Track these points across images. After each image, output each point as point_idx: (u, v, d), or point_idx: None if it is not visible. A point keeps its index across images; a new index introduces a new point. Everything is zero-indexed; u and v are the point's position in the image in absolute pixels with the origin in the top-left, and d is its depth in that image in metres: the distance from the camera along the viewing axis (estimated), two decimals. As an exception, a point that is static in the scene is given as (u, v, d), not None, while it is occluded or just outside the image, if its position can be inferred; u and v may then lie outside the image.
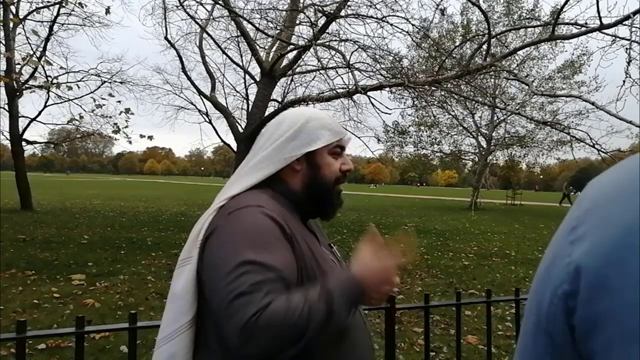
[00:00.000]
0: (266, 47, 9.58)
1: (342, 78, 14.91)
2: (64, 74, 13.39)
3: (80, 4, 10.25)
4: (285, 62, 9.11)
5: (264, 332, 0.76)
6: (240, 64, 10.78)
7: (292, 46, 8.34)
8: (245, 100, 11.49)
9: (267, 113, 9.10)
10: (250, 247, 0.84)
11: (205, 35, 9.72)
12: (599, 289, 0.33)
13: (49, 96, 13.94)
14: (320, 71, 9.36)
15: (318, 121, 1.04)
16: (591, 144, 7.33)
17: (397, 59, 8.59)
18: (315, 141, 1.02)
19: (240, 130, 9.94)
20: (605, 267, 0.33)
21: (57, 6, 12.63)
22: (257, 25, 7.97)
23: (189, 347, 0.93)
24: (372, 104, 8.10)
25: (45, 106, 14.12)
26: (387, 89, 8.50)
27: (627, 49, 6.13)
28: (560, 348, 0.37)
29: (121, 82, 14.16)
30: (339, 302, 0.84)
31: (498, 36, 9.88)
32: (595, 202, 0.38)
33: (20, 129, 13.76)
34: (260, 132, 1.10)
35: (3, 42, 12.86)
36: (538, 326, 0.39)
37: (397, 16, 7.72)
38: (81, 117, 13.96)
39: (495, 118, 22.41)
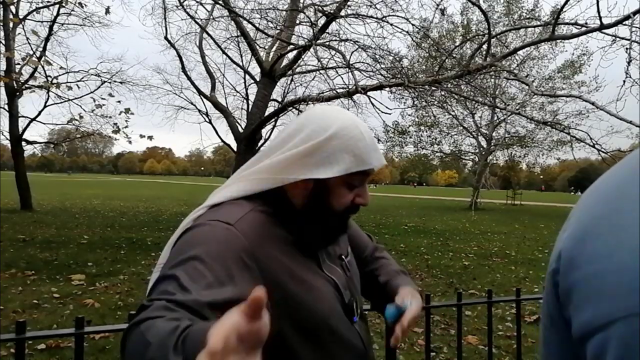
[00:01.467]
0: (266, 47, 9.58)
1: (342, 78, 14.94)
2: (63, 74, 13.39)
3: (80, 4, 10.25)
4: (285, 62, 9.11)
5: (129, 343, 0.62)
6: (240, 64, 10.78)
7: (292, 46, 8.33)
8: (245, 100, 11.49)
9: (267, 113, 9.10)
10: (186, 258, 0.72)
11: (205, 35, 9.72)
12: (569, 265, 0.43)
13: (48, 96, 13.95)
14: (320, 71, 9.34)
15: (345, 141, 0.83)
16: (591, 144, 7.32)
17: (397, 59, 8.58)
18: (332, 166, 0.83)
19: (240, 130, 9.93)
20: (573, 248, 0.44)
21: (57, 6, 12.64)
22: (257, 25, 7.97)
23: None
24: (372, 104, 8.09)
25: (45, 106, 14.12)
26: (387, 89, 8.49)
27: (627, 49, 6.13)
28: (553, 315, 0.47)
29: (121, 82, 14.16)
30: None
31: (498, 36, 9.88)
32: (580, 201, 0.50)
33: (20, 129, 13.77)
34: (278, 132, 0.96)
35: (3, 42, 12.86)
36: (544, 300, 0.49)
37: (397, 16, 7.72)
38: (81, 117, 13.96)
39: (496, 118, 22.42)
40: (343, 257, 0.97)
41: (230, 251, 0.75)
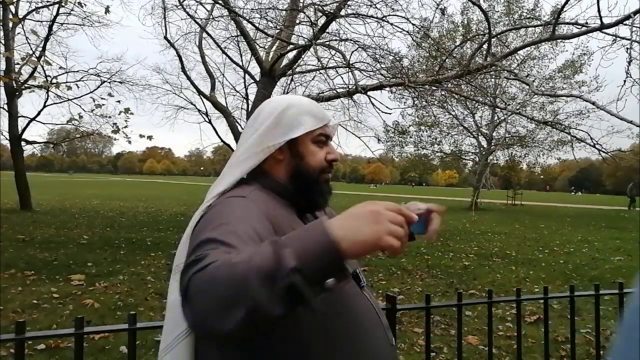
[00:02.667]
0: (266, 47, 9.57)
1: (342, 78, 14.89)
2: (63, 73, 13.39)
3: (79, 3, 10.24)
4: (285, 61, 9.10)
5: (198, 290, 0.60)
6: (240, 63, 10.77)
7: (292, 46, 8.32)
8: (245, 100, 11.47)
9: (267, 113, 9.08)
10: (214, 227, 0.77)
11: (204, 34, 9.71)
12: None
13: (48, 96, 13.94)
14: (320, 71, 9.34)
15: (299, 107, 0.99)
16: (592, 143, 7.32)
17: (398, 58, 8.57)
18: (297, 127, 0.96)
19: (240, 130, 9.93)
20: None
21: (57, 6, 12.63)
22: (257, 24, 7.96)
23: (190, 355, 0.89)
24: (372, 103, 8.09)
25: (44, 106, 14.11)
26: (388, 88, 8.49)
27: (627, 48, 6.11)
28: None
29: (120, 82, 14.16)
30: (293, 250, 0.60)
31: (498, 36, 9.87)
32: None
33: (20, 129, 13.76)
34: (244, 128, 1.09)
35: (2, 41, 12.85)
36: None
37: (398, 16, 7.71)
38: (80, 117, 13.96)
39: (496, 118, 22.41)
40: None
41: (251, 214, 0.83)
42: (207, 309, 0.59)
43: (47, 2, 12.86)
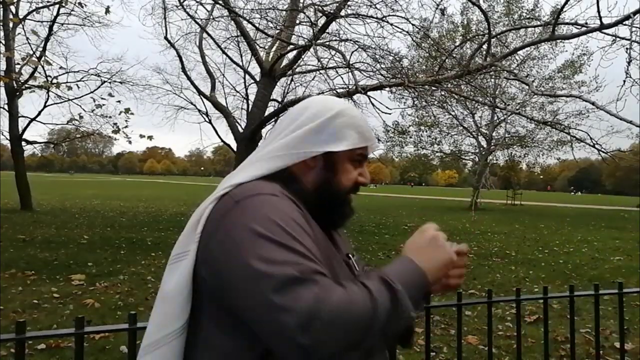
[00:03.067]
0: (266, 47, 9.57)
1: (342, 78, 14.94)
2: (63, 73, 13.40)
3: (80, 3, 10.23)
4: (285, 62, 9.11)
5: (331, 326, 0.62)
6: (240, 63, 10.78)
7: (292, 46, 8.33)
8: (245, 100, 11.48)
9: (267, 113, 9.09)
10: (278, 235, 0.70)
11: (205, 35, 9.72)
12: None
13: (48, 96, 13.95)
14: (320, 71, 9.34)
15: (349, 119, 0.90)
16: (591, 143, 7.33)
17: (397, 58, 8.58)
18: (341, 140, 0.88)
19: (240, 130, 9.93)
20: None
21: (57, 6, 12.63)
22: (257, 25, 7.96)
23: (178, 359, 0.80)
24: (372, 103, 8.09)
25: (44, 106, 14.12)
26: (387, 88, 8.50)
27: (627, 48, 6.12)
28: None
29: (121, 82, 14.17)
30: (400, 286, 0.71)
31: (498, 36, 9.88)
32: None
33: (20, 129, 13.77)
34: (280, 118, 0.96)
35: (3, 42, 12.86)
36: None
37: (397, 16, 7.72)
38: (81, 117, 13.96)
39: (496, 118, 22.42)
40: (350, 255, 0.97)
41: (292, 211, 0.77)
42: (335, 348, 0.63)
43: (48, 2, 12.87)
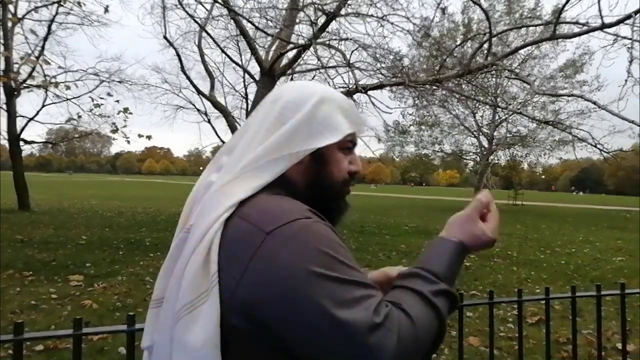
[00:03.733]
0: (266, 46, 9.55)
1: (342, 77, 14.87)
2: (62, 73, 13.40)
3: (78, 3, 10.20)
4: (285, 61, 9.08)
5: (411, 356, 0.65)
6: (240, 63, 10.75)
7: (291, 45, 8.30)
8: (244, 100, 11.47)
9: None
10: (337, 270, 0.65)
11: (204, 34, 9.69)
12: None
13: (46, 95, 13.94)
14: (320, 70, 9.32)
15: (334, 103, 0.81)
16: (593, 143, 7.31)
17: (398, 58, 8.55)
18: (332, 131, 0.79)
19: (240, 129, 9.89)
20: None
21: (56, 5, 12.61)
22: (256, 24, 7.94)
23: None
24: (373, 103, 8.08)
25: (43, 105, 14.12)
26: (388, 88, 8.48)
27: (628, 48, 6.11)
28: None
29: (119, 82, 14.14)
30: (449, 274, 0.75)
31: (499, 35, 9.85)
32: None
33: (18, 129, 13.75)
34: (252, 114, 0.86)
35: (1, 41, 12.84)
36: None
37: (398, 15, 7.70)
38: (79, 117, 13.94)
39: (497, 117, 22.40)
40: None
41: (337, 239, 0.71)
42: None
43: (46, 1, 12.84)
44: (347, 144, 0.84)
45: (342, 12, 7.89)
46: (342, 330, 0.61)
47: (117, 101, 13.47)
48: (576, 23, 6.70)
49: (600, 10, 5.72)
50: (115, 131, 13.43)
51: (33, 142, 14.87)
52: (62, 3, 11.12)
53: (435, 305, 0.70)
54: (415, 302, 0.69)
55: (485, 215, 0.83)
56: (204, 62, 10.23)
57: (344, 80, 12.48)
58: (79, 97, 13.70)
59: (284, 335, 0.65)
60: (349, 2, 7.90)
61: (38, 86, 12.83)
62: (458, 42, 11.72)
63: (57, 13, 13.24)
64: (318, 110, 0.79)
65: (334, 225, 0.81)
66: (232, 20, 8.99)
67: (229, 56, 10.28)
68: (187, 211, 0.83)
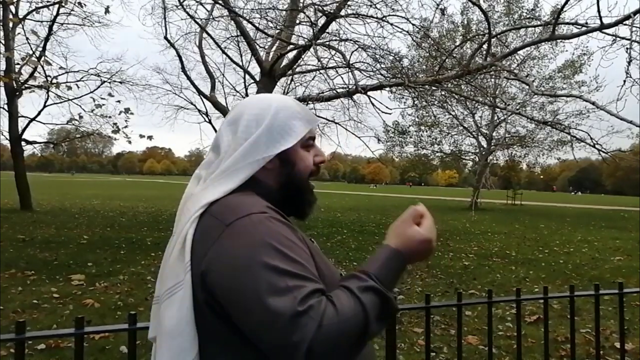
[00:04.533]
0: (266, 47, 9.57)
1: (342, 78, 14.89)
2: (63, 73, 13.40)
3: (79, 3, 10.24)
4: (285, 61, 9.10)
5: (333, 347, 0.70)
6: (240, 63, 10.76)
7: (292, 46, 8.32)
8: (245, 100, 11.46)
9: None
10: (277, 260, 0.73)
11: (205, 34, 9.70)
12: None
13: (48, 96, 13.95)
14: (320, 71, 9.34)
15: (288, 110, 0.92)
16: (592, 143, 7.31)
17: (397, 58, 8.57)
18: (289, 135, 0.90)
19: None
20: None
21: (57, 6, 12.63)
22: (257, 24, 7.95)
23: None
24: (372, 103, 8.09)
25: (44, 106, 14.12)
26: (387, 88, 8.50)
27: (627, 48, 6.11)
28: None
29: (121, 82, 14.16)
30: (382, 275, 0.80)
31: (498, 36, 9.87)
32: None
33: (20, 129, 13.76)
34: (220, 128, 0.97)
35: (2, 42, 12.85)
36: None
37: (397, 16, 7.71)
38: (80, 117, 13.97)
39: (496, 118, 22.41)
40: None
41: (288, 233, 0.80)
42: (343, 353, 0.71)
43: (47, 2, 12.87)
44: (308, 141, 0.95)
45: (342, 13, 7.91)
46: (269, 314, 0.69)
47: (119, 101, 13.53)
48: (575, 24, 6.71)
49: (599, 11, 5.73)
50: (116, 131, 13.47)
51: (35, 142, 14.89)
52: (63, 4, 11.15)
53: (361, 300, 0.74)
54: (344, 297, 0.75)
55: (420, 222, 0.90)
56: (204, 62, 10.24)
57: (343, 81, 12.51)
58: (80, 97, 13.75)
59: (231, 314, 0.76)
60: (348, 3, 7.92)
61: (39, 87, 12.85)
62: (457, 43, 11.75)
63: (58, 14, 13.27)
64: (276, 120, 0.90)
65: (306, 216, 0.97)
66: (232, 21, 9.01)
67: (229, 57, 10.30)
68: (176, 220, 0.94)
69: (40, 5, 12.97)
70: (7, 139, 13.71)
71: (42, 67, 12.56)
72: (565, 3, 6.34)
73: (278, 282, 0.71)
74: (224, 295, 0.76)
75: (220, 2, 7.89)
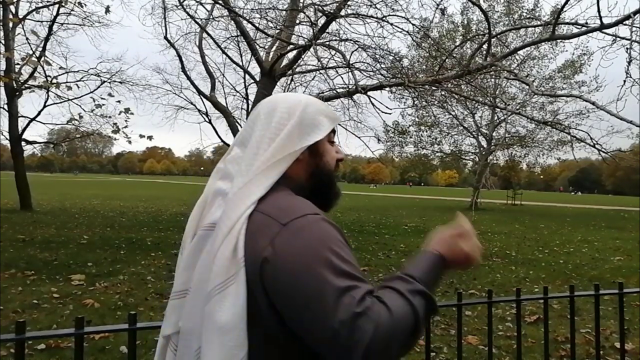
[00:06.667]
0: (266, 47, 9.57)
1: (342, 78, 14.91)
2: (63, 73, 13.40)
3: (79, 3, 10.25)
4: (285, 61, 9.10)
5: (385, 349, 0.73)
6: (240, 63, 10.77)
7: (292, 46, 8.32)
8: (245, 100, 11.48)
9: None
10: (337, 262, 0.76)
11: (205, 34, 9.71)
12: None
13: (48, 96, 13.95)
14: (320, 71, 9.34)
15: (314, 106, 0.98)
16: (592, 143, 7.33)
17: (397, 58, 8.57)
18: (319, 128, 0.95)
19: (240, 129, 9.91)
20: None
21: (57, 6, 12.63)
22: (257, 24, 7.96)
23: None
24: (372, 103, 8.10)
25: (44, 106, 14.12)
26: (387, 88, 8.50)
27: (627, 48, 6.12)
28: None
29: (121, 82, 14.16)
30: (427, 280, 0.85)
31: (498, 36, 9.87)
32: None
33: (20, 129, 13.76)
34: (248, 124, 0.99)
35: (2, 42, 12.85)
36: None
37: (397, 16, 7.71)
38: (81, 117, 13.97)
39: (496, 118, 22.41)
40: None
41: (340, 236, 0.83)
42: (395, 355, 0.75)
43: (47, 2, 12.87)
44: (332, 137, 1.01)
45: (342, 13, 7.91)
46: (329, 314, 0.72)
47: (119, 102, 13.53)
48: (575, 24, 6.72)
49: (599, 11, 5.74)
50: (116, 131, 13.48)
51: (35, 142, 14.90)
52: (63, 4, 11.15)
53: (411, 302, 0.78)
54: (394, 298, 0.78)
55: (465, 237, 0.97)
56: (204, 62, 10.25)
57: (343, 81, 12.53)
58: (80, 97, 13.75)
59: (285, 316, 0.78)
60: (348, 3, 7.92)
61: (39, 87, 12.85)
62: (457, 43, 11.75)
63: (58, 14, 13.26)
64: (306, 114, 0.95)
65: (330, 208, 1.01)
66: (232, 21, 9.02)
67: (229, 57, 10.30)
68: (197, 213, 0.97)
69: (40, 5, 12.98)
70: (7, 139, 13.71)
71: (42, 67, 12.56)
72: (565, 3, 6.35)
73: (338, 282, 0.73)
74: (281, 293, 0.77)
75: (220, 2, 7.89)
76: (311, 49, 7.44)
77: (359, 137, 10.10)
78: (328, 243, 0.78)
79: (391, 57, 8.50)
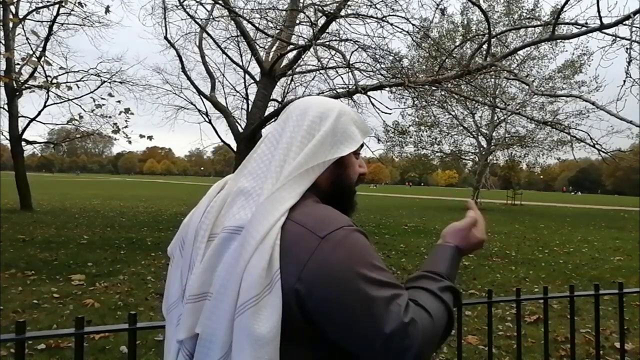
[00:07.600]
0: (266, 47, 9.58)
1: (342, 78, 14.95)
2: (63, 73, 13.40)
3: (79, 3, 10.24)
4: (285, 61, 9.11)
5: (429, 350, 0.79)
6: (240, 63, 10.78)
7: (292, 46, 8.33)
8: (245, 100, 11.48)
9: (267, 113, 9.09)
10: (376, 271, 0.78)
11: (205, 35, 9.72)
12: None
13: (48, 96, 13.95)
14: (320, 71, 9.35)
15: (348, 116, 0.95)
16: (591, 143, 7.33)
17: (397, 58, 8.58)
18: (350, 141, 0.93)
19: (240, 130, 9.94)
20: None
21: (57, 6, 12.63)
22: (257, 25, 7.96)
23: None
24: (372, 103, 8.10)
25: (44, 106, 14.12)
26: (387, 88, 8.50)
27: (627, 48, 6.12)
28: None
29: (121, 82, 14.16)
30: (451, 274, 0.90)
31: (498, 36, 9.87)
32: None
33: (20, 129, 13.77)
34: (278, 123, 0.96)
35: (2, 42, 12.86)
36: None
37: (397, 16, 7.72)
38: (81, 117, 13.97)
39: (496, 118, 22.41)
40: None
41: (372, 247, 0.86)
42: (431, 351, 0.81)
43: (48, 2, 12.87)
44: (359, 150, 0.99)
45: (342, 13, 7.91)
46: (379, 325, 0.75)
47: (119, 102, 13.53)
48: (575, 24, 6.72)
49: (599, 11, 5.74)
50: (116, 131, 13.47)
51: (35, 142, 14.90)
52: (63, 4, 11.15)
53: (444, 300, 0.84)
54: (428, 299, 0.83)
55: (477, 225, 1.00)
56: (204, 62, 10.26)
57: (343, 81, 12.54)
58: (80, 97, 13.75)
59: (327, 329, 0.78)
60: (348, 3, 7.92)
61: (40, 87, 12.86)
62: (457, 43, 11.76)
63: (58, 14, 13.26)
64: (338, 123, 0.93)
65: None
66: (232, 21, 9.03)
67: (229, 57, 10.31)
68: (215, 214, 0.90)
69: (40, 5, 12.98)
70: (7, 139, 13.72)
71: (42, 67, 12.56)
72: (565, 3, 6.35)
73: (382, 293, 0.76)
74: (322, 308, 0.76)
75: (220, 2, 7.90)
76: (311, 49, 7.44)
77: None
78: (365, 255, 0.79)
79: (391, 57, 8.51)
